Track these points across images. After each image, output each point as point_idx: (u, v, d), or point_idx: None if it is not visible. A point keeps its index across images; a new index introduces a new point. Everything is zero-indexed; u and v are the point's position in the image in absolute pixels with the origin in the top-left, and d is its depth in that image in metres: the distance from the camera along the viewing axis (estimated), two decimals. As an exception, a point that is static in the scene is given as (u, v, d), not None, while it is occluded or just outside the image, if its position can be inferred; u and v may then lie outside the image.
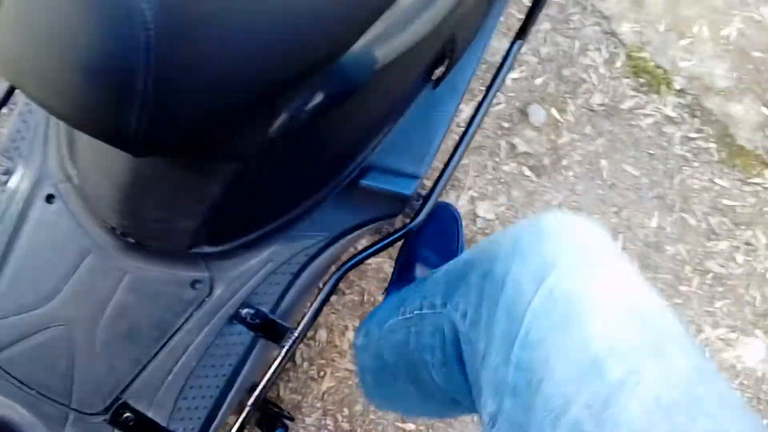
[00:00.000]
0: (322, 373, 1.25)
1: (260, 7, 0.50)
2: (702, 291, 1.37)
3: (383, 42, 0.72)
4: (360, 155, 0.92)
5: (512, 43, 0.96)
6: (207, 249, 0.89)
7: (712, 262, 1.38)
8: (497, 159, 1.41)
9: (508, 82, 1.46)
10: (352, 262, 0.95)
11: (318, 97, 0.70)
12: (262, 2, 0.50)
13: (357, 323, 1.27)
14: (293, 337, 0.90)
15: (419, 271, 1.10)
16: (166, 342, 0.90)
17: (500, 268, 0.60)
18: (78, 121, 0.50)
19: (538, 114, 1.44)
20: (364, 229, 0.95)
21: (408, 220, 0.97)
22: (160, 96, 0.45)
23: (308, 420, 1.24)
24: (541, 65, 1.48)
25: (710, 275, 1.37)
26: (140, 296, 0.89)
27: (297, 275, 0.93)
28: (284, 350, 0.91)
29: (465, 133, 0.96)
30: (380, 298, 1.28)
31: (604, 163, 1.43)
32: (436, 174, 0.98)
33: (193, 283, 0.90)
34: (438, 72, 0.92)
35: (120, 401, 0.90)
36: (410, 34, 0.74)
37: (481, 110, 0.95)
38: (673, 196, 1.42)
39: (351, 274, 1.30)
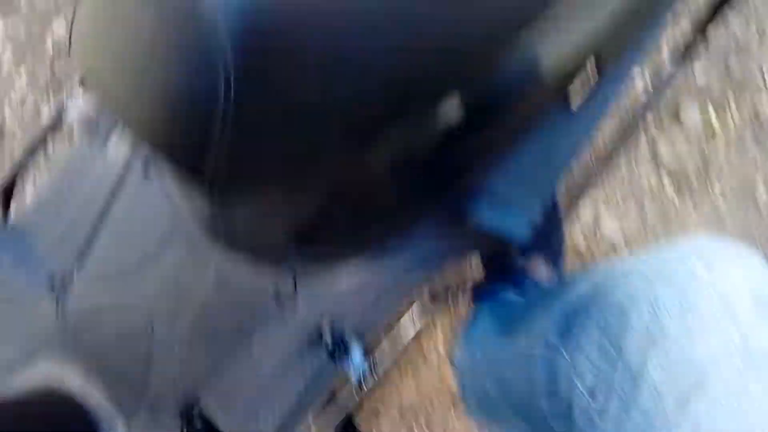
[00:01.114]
0: (404, 378, 1.15)
1: (355, 48, 0.43)
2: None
3: (515, 62, 0.60)
4: (471, 180, 0.79)
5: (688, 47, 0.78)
6: (294, 263, 0.84)
7: None
8: (634, 165, 1.20)
9: (664, 72, 1.22)
10: (443, 298, 0.86)
11: (427, 132, 0.59)
12: (357, 42, 0.43)
13: (445, 324, 1.15)
14: (372, 375, 0.84)
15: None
16: (244, 350, 0.86)
17: (636, 326, 0.44)
18: (155, 150, 0.47)
19: (691, 115, 1.21)
20: (461, 256, 0.86)
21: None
22: (236, 140, 0.42)
23: (384, 428, 1.16)
24: (707, 56, 1.23)
25: None
26: (223, 298, 0.85)
27: (382, 297, 0.85)
28: (360, 385, 0.87)
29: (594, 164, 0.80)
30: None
31: (762, 187, 1.20)
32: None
33: (277, 295, 0.85)
34: (575, 93, 0.76)
35: (192, 404, 0.87)
36: (549, 54, 0.62)
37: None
38: (836, 236, 1.20)
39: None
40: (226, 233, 0.81)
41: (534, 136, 0.81)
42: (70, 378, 0.89)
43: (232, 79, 0.39)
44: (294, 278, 0.86)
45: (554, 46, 0.62)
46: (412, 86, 0.50)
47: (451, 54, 0.49)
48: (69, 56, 0.47)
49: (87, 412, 0.89)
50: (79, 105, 0.89)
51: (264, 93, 0.41)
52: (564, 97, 0.80)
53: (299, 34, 0.40)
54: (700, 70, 1.23)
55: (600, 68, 0.74)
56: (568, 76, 0.72)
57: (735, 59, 1.23)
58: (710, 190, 1.20)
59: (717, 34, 1.24)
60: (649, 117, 1.21)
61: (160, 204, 0.85)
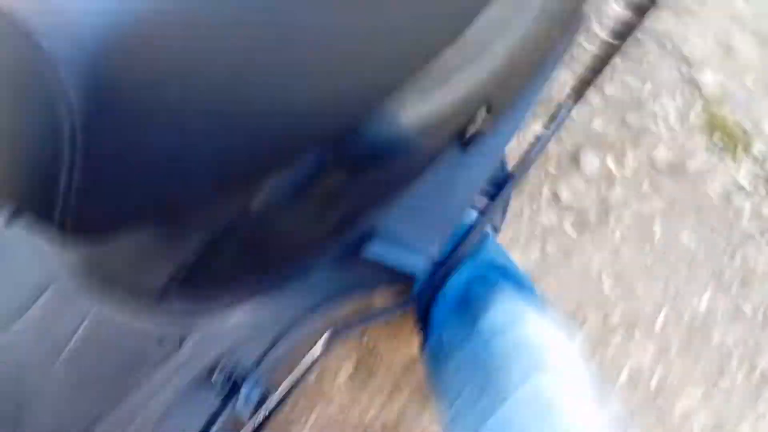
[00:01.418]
0: (304, 419, 1.14)
1: (221, 100, 0.41)
2: (745, 388, 1.20)
3: (403, 109, 0.60)
4: (365, 219, 0.80)
5: (561, 107, 0.82)
6: (178, 305, 0.79)
7: (763, 360, 1.21)
8: (536, 206, 1.26)
9: (563, 121, 1.30)
10: (346, 329, 0.85)
11: (308, 174, 0.59)
12: (223, 94, 0.41)
13: (351, 364, 1.15)
14: (263, 413, 0.81)
15: None
16: (124, 398, 0.82)
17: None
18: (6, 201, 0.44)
19: (590, 161, 1.28)
20: (363, 293, 0.84)
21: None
22: (87, 193, 0.40)
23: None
24: (604, 106, 1.32)
25: (758, 372, 1.21)
26: (100, 346, 0.80)
27: (276, 341, 0.82)
28: (253, 425, 0.82)
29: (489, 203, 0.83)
30: (382, 344, 1.16)
31: (657, 228, 1.26)
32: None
33: (161, 339, 0.81)
34: (468, 135, 0.79)
35: None
36: (437, 100, 0.63)
37: (517, 175, 0.81)
38: (731, 276, 1.25)
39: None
40: (101, 279, 0.79)
41: (429, 178, 0.84)
42: None
43: (77, 125, 0.36)
44: (179, 321, 0.83)
45: (442, 96, 0.64)
46: (279, 142, 0.48)
47: (316, 115, 0.48)
48: None
49: None
50: None
51: (112, 140, 0.39)
52: (458, 141, 0.85)
53: (151, 80, 0.38)
54: (599, 122, 1.31)
55: (492, 114, 0.80)
56: (461, 123, 0.77)
57: (632, 114, 1.32)
58: (608, 232, 1.25)
59: (614, 90, 1.33)
60: (551, 164, 1.28)
61: (28, 256, 0.80)
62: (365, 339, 1.16)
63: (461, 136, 0.81)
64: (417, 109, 0.62)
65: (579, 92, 0.84)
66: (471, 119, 0.75)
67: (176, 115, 0.40)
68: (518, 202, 1.26)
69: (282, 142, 0.48)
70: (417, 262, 0.81)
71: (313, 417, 1.13)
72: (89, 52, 0.35)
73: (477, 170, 0.84)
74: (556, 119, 0.83)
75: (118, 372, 0.80)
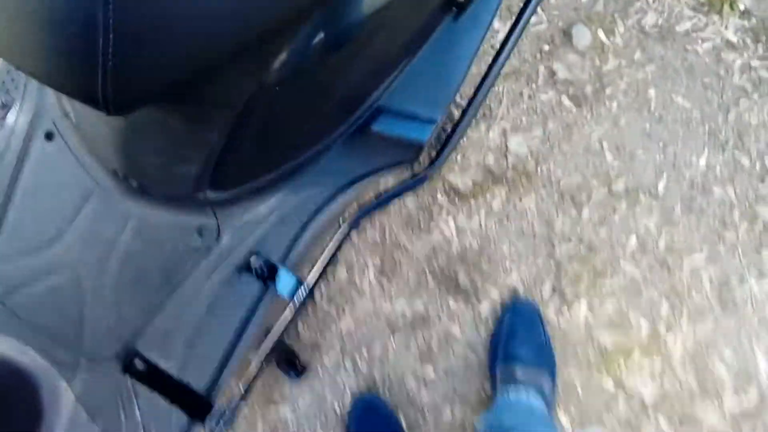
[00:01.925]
0: (341, 312, 1.18)
1: None
2: (749, 239, 1.26)
3: None
4: (371, 96, 0.83)
5: None
6: (212, 195, 0.84)
7: (764, 208, 1.26)
8: (534, 86, 1.27)
9: (551, 0, 1.29)
10: (366, 210, 0.88)
11: (314, 41, 0.61)
12: None
13: (378, 260, 1.19)
14: (302, 288, 0.85)
15: (518, 371, 1.08)
16: (175, 290, 0.88)
17: None
18: (45, 80, 0.46)
19: (582, 36, 1.29)
20: (377, 175, 0.87)
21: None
22: (124, 56, 0.42)
23: (326, 360, 1.18)
24: (590, -21, 1.31)
25: (760, 222, 1.26)
26: (146, 242, 0.87)
27: (306, 224, 0.87)
28: (293, 303, 0.87)
29: (493, 63, 0.85)
30: (403, 236, 1.19)
31: (652, 92, 1.28)
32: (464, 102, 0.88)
33: (200, 230, 0.87)
34: (458, 0, 0.81)
35: (131, 350, 0.87)
36: None
37: (504, 52, 0.84)
38: (727, 132, 1.28)
39: (372, 214, 1.21)
40: (140, 176, 0.82)
41: (425, 50, 0.86)
42: (4, 347, 0.88)
43: None
44: (214, 212, 0.87)
45: None
46: (280, 6, 0.51)
47: None
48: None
49: (26, 375, 0.88)
50: None
51: (143, 7, 0.41)
52: (447, 10, 0.86)
53: None
54: (586, -6, 1.31)
55: None
56: None
57: (617, -18, 1.31)
58: (605, 101, 1.27)
59: (597, -40, 1.32)
60: (544, 42, 1.28)
61: (69, 165, 0.85)
62: (387, 234, 1.19)
63: (450, 7, 0.83)
64: None
65: None
66: None
67: None
68: (517, 85, 1.27)
69: (284, 6, 0.51)
70: (423, 129, 0.83)
71: (347, 309, 1.17)
72: None
73: (470, 37, 0.86)
74: None
75: (166, 265, 0.85)
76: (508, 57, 0.88)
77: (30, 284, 0.86)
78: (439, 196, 1.21)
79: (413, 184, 0.94)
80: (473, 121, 1.24)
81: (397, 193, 0.93)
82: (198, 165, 0.75)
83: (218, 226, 0.86)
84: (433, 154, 0.99)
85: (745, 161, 1.27)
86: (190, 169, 0.77)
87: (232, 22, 0.47)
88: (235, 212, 0.87)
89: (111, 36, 0.40)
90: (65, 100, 0.84)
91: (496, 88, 1.25)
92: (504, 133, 1.25)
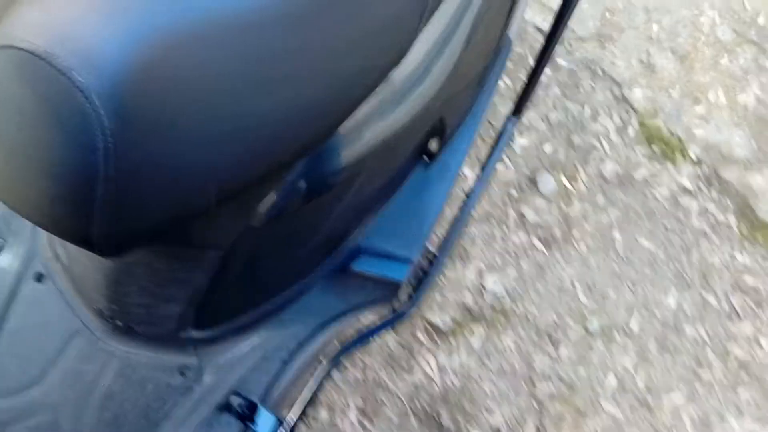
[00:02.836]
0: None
1: (222, 111, 0.48)
2: (725, 377, 1.27)
3: (369, 126, 0.68)
4: (349, 238, 0.88)
5: (506, 122, 0.91)
6: (195, 333, 0.84)
7: (735, 346, 1.28)
8: (506, 228, 1.33)
9: (516, 148, 1.39)
10: (346, 349, 0.89)
11: (298, 187, 0.66)
12: (223, 107, 0.48)
13: (360, 401, 1.16)
14: (282, 431, 0.83)
15: None
16: (154, 431, 0.83)
17: None
18: (40, 222, 0.48)
19: (547, 182, 1.37)
20: (356, 313, 0.89)
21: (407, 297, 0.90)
22: (120, 203, 0.45)
23: None
24: (551, 131, 1.42)
25: (734, 360, 1.28)
26: (128, 382, 0.85)
27: (288, 362, 0.87)
28: None
29: (464, 205, 0.91)
30: (384, 375, 1.18)
31: (617, 235, 1.35)
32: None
33: (182, 370, 0.85)
34: (429, 151, 0.88)
35: None
36: (397, 118, 0.71)
37: (473, 196, 0.91)
38: (692, 272, 1.33)
39: (353, 352, 1.21)
40: (124, 316, 0.83)
41: (399, 194, 0.93)
42: None
43: (110, 142, 0.41)
44: (196, 351, 0.87)
45: (399, 114, 0.71)
46: (266, 152, 0.54)
47: (300, 120, 0.55)
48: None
49: None
50: None
51: (139, 154, 0.44)
52: (419, 158, 0.93)
53: (169, 104, 0.44)
54: (548, 146, 1.41)
55: (446, 130, 0.88)
56: (419, 140, 0.85)
57: (576, 135, 1.42)
58: (574, 242, 1.33)
59: (558, 116, 1.44)
60: (512, 188, 1.36)
61: (57, 306, 0.85)
62: (368, 373, 1.17)
63: (422, 155, 0.90)
64: (379, 127, 0.70)
65: (519, 107, 0.94)
66: (428, 137, 0.84)
67: (188, 128, 0.46)
68: (489, 227, 1.32)
69: (268, 152, 0.54)
70: (400, 268, 0.86)
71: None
72: (116, 81, 0.41)
73: (440, 183, 0.93)
74: (503, 133, 0.93)
75: (147, 405, 0.83)
76: (477, 199, 0.94)
77: (10, 425, 0.83)
78: (419, 334, 1.22)
79: (392, 320, 0.96)
80: (450, 260, 1.27)
81: (376, 330, 0.94)
82: (181, 304, 0.76)
83: (200, 365, 0.85)
84: (412, 291, 1.02)
85: (712, 300, 1.31)
86: (173, 309, 0.77)
87: (224, 172, 0.51)
88: (216, 350, 0.86)
89: (110, 186, 0.43)
90: (57, 242, 0.86)
91: (471, 230, 1.31)
92: (480, 272, 1.28)
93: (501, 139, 0.92)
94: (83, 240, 0.46)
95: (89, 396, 0.82)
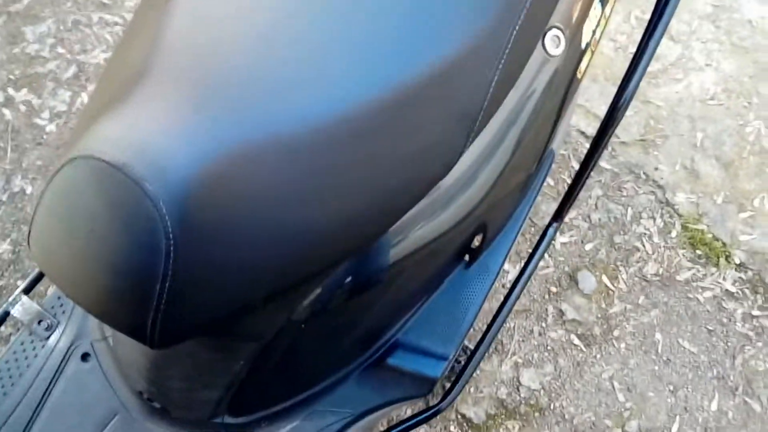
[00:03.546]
0: None
1: (274, 220, 0.52)
2: (771, 489, 1.23)
3: (413, 229, 0.73)
4: (388, 333, 0.91)
5: (547, 226, 0.95)
6: (229, 419, 0.87)
7: (782, 457, 1.25)
8: (544, 324, 1.36)
9: (557, 246, 1.44)
10: None
11: (341, 286, 0.70)
12: (276, 215, 0.52)
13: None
14: None
15: None
16: None
17: None
18: (99, 315, 0.52)
19: (587, 281, 1.40)
20: (391, 407, 0.92)
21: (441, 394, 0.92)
22: (176, 301, 0.48)
23: None
24: (592, 231, 1.46)
25: (780, 471, 1.24)
26: None
27: None
28: None
29: (504, 301, 0.94)
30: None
31: (658, 336, 1.35)
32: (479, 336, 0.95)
33: None
34: (470, 252, 0.93)
35: None
36: (441, 222, 0.75)
37: (515, 292, 0.94)
38: (735, 377, 1.32)
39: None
40: (163, 399, 0.87)
41: (439, 292, 0.97)
42: None
43: (171, 245, 0.45)
44: None
45: (444, 219, 0.76)
46: (317, 253, 0.59)
47: (343, 233, 0.59)
48: (29, 248, 0.52)
49: None
50: (23, 305, 0.94)
51: (197, 257, 0.48)
52: (460, 258, 0.98)
53: (228, 212, 0.49)
54: (590, 245, 1.45)
55: (487, 234, 0.93)
56: (462, 242, 0.90)
57: (618, 236, 1.46)
58: (614, 341, 1.34)
59: (600, 216, 1.48)
60: (551, 284, 1.40)
61: (99, 385, 0.89)
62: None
63: (463, 255, 0.95)
64: (422, 230, 0.74)
65: (560, 212, 0.98)
66: (470, 239, 0.89)
67: (247, 234, 0.51)
68: (528, 322, 1.36)
69: (314, 256, 0.59)
70: (437, 364, 0.90)
71: None
72: (182, 192, 0.46)
73: (480, 281, 0.96)
74: (544, 237, 0.96)
75: None
76: (518, 296, 0.96)
77: None
78: (452, 427, 1.25)
79: (428, 416, 0.98)
80: (486, 354, 1.31)
81: (411, 425, 0.96)
82: (219, 391, 0.80)
83: None
84: (447, 386, 1.05)
85: (757, 407, 1.29)
86: (211, 395, 0.81)
87: (272, 273, 0.55)
88: None
89: (167, 284, 0.47)
90: (105, 325, 0.92)
91: (508, 324, 1.34)
92: (516, 367, 1.31)
93: (541, 243, 0.97)
94: (137, 334, 0.51)
95: None
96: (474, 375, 1.29)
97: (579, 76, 0.84)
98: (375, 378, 0.92)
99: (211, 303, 0.53)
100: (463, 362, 1.00)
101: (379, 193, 0.60)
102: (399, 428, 0.93)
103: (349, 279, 0.70)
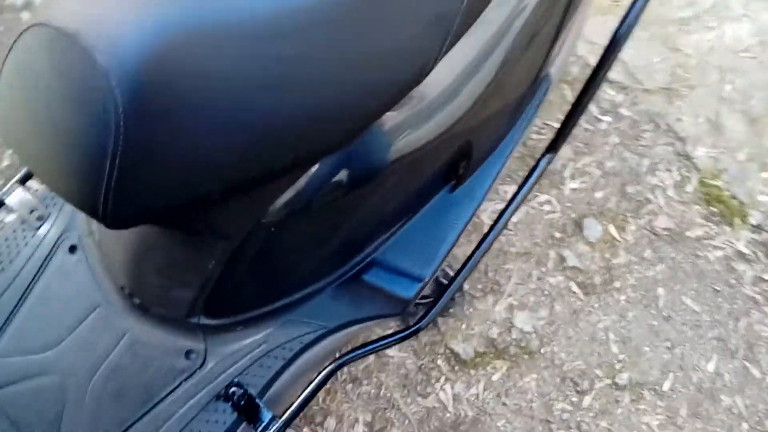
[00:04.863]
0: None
1: (233, 107, 0.50)
2: (760, 454, 1.20)
3: (390, 138, 0.70)
4: (366, 249, 0.90)
5: (540, 157, 0.91)
6: (205, 320, 0.88)
7: (775, 423, 1.21)
8: (544, 269, 1.31)
9: (565, 191, 1.38)
10: (349, 356, 0.90)
11: (314, 191, 0.67)
12: (234, 103, 0.50)
13: (369, 417, 1.17)
14: (275, 427, 0.84)
15: None
16: (152, 408, 0.89)
17: None
18: (55, 189, 0.52)
19: (593, 228, 1.35)
20: (363, 325, 0.90)
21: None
22: (127, 179, 0.48)
23: None
24: (604, 179, 1.40)
25: (771, 437, 1.20)
26: (135, 358, 0.89)
27: (290, 361, 0.89)
28: None
29: (485, 236, 0.91)
30: (398, 396, 1.18)
31: (661, 291, 1.30)
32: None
33: (188, 353, 0.89)
34: (455, 175, 0.89)
35: None
36: (421, 134, 0.72)
37: (502, 219, 0.91)
38: (737, 340, 1.27)
39: (371, 365, 1.22)
40: (142, 294, 0.88)
41: (421, 213, 0.94)
42: None
43: (122, 122, 0.45)
44: (204, 337, 0.91)
45: (421, 133, 0.73)
46: (285, 150, 0.57)
47: (314, 125, 0.57)
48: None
49: None
50: (17, 195, 0.96)
51: (150, 136, 0.47)
52: (446, 182, 0.94)
53: (183, 94, 0.47)
54: (601, 193, 1.39)
55: (472, 156, 0.89)
56: (444, 161, 0.87)
57: (631, 186, 1.40)
58: (614, 293, 1.30)
59: (614, 164, 1.42)
60: (555, 230, 1.35)
61: (84, 278, 0.91)
62: (382, 391, 1.18)
63: (448, 179, 0.91)
64: (401, 140, 0.71)
65: (555, 143, 0.93)
66: (455, 159, 0.85)
67: (201, 117, 0.49)
68: (527, 265, 1.31)
69: (287, 150, 0.56)
70: (411, 285, 0.87)
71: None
72: (134, 66, 0.44)
73: (463, 208, 0.93)
74: (535, 168, 0.92)
75: (149, 383, 0.87)
76: (505, 225, 0.93)
77: (18, 382, 0.89)
78: (440, 361, 1.22)
79: (402, 337, 0.96)
80: (482, 292, 1.27)
81: (380, 344, 0.95)
82: (194, 290, 0.80)
83: (205, 351, 0.88)
84: (426, 312, 1.02)
85: (756, 372, 1.24)
86: (186, 294, 0.81)
87: (231, 165, 0.53)
88: (223, 340, 0.89)
89: (117, 161, 0.46)
90: (93, 220, 0.93)
91: (507, 265, 1.30)
92: (511, 308, 1.27)
93: (532, 174, 0.93)
94: (92, 210, 0.50)
95: (98, 366, 0.87)
96: (466, 312, 1.26)
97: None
98: (350, 293, 0.91)
99: (165, 187, 0.52)
100: (442, 291, 0.98)
101: (347, 90, 0.57)
102: (376, 345, 0.92)
103: (321, 184, 0.68)
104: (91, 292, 0.90)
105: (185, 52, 0.47)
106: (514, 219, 1.33)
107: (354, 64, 0.56)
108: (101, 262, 0.90)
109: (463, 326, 1.24)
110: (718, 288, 1.31)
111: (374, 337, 0.93)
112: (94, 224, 0.92)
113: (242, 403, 0.87)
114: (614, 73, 1.50)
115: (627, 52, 1.51)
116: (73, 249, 0.92)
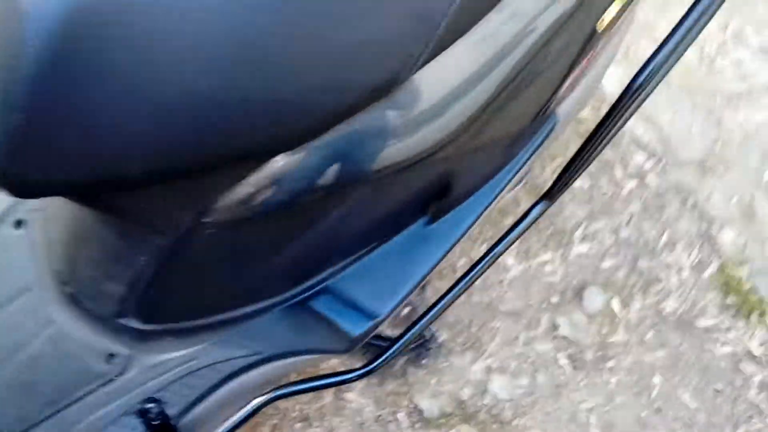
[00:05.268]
0: None
1: (161, 84, 0.45)
2: None
3: (365, 145, 0.61)
4: (322, 273, 0.81)
5: (534, 204, 0.82)
6: (134, 323, 0.80)
7: None
8: (532, 334, 1.21)
9: (572, 253, 1.28)
10: (283, 391, 0.82)
11: (260, 193, 0.59)
12: (163, 79, 0.45)
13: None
14: None
15: None
16: (59, 410, 0.83)
17: None
18: None
19: (595, 299, 1.25)
20: (304, 358, 0.82)
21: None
22: (31, 138, 0.44)
23: None
24: (616, 247, 1.30)
25: None
26: (55, 352, 0.83)
27: (217, 385, 0.82)
28: None
29: (458, 281, 0.82)
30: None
31: (657, 380, 1.19)
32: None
33: (110, 357, 0.82)
34: (433, 207, 0.80)
35: None
36: (390, 153, 0.63)
37: (479, 267, 0.82)
38: (732, 449, 1.15)
39: (327, 406, 1.13)
40: (75, 284, 0.82)
41: (388, 245, 0.85)
42: None
43: (35, 76, 0.41)
44: (130, 340, 0.84)
45: (397, 149, 0.65)
46: (215, 135, 0.51)
47: (270, 111, 0.51)
48: None
49: None
50: None
51: (63, 100, 0.43)
52: (421, 214, 0.86)
53: (106, 58, 0.43)
54: (609, 262, 1.29)
55: (451, 191, 0.81)
56: (421, 188, 0.79)
57: (644, 260, 1.30)
58: (604, 373, 1.19)
59: (629, 234, 1.32)
60: (554, 294, 1.25)
61: (22, 256, 0.85)
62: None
63: (424, 210, 0.83)
64: (373, 154, 0.63)
65: (552, 190, 0.84)
66: (432, 189, 0.76)
67: (126, 85, 0.43)
68: (515, 326, 1.22)
69: (225, 139, 0.50)
70: (360, 321, 0.79)
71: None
72: (57, 16, 0.39)
73: (438, 244, 0.85)
74: (526, 215, 0.83)
75: (64, 382, 0.80)
76: (473, 279, 0.85)
77: None
78: (400, 414, 1.13)
79: (337, 381, 0.88)
80: (460, 348, 1.18)
81: (320, 385, 0.86)
82: (124, 287, 0.74)
83: (128, 358, 0.81)
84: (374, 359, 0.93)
85: (747, 488, 1.12)
86: (116, 289, 0.75)
87: (159, 147, 0.48)
88: (150, 349, 0.82)
89: (26, 117, 0.42)
90: None
91: (493, 323, 1.21)
92: (489, 370, 1.18)
93: (522, 221, 0.84)
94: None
95: (15, 353, 0.81)
96: (441, 366, 1.17)
97: (599, 29, 0.69)
98: (295, 319, 0.82)
99: (79, 156, 0.47)
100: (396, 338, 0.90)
101: (304, 82, 0.50)
102: (315, 383, 0.85)
103: (273, 188, 0.60)
104: (25, 273, 0.83)
105: (120, 8, 0.42)
106: (510, 275, 1.24)
107: (315, 52, 0.50)
108: (44, 242, 0.84)
109: (434, 381, 1.15)
110: (720, 387, 1.20)
111: (320, 374, 0.85)
112: (47, 200, 0.86)
113: (156, 422, 0.80)
114: (647, 136, 1.40)
115: (664, 117, 1.42)
116: (19, 223, 0.86)
